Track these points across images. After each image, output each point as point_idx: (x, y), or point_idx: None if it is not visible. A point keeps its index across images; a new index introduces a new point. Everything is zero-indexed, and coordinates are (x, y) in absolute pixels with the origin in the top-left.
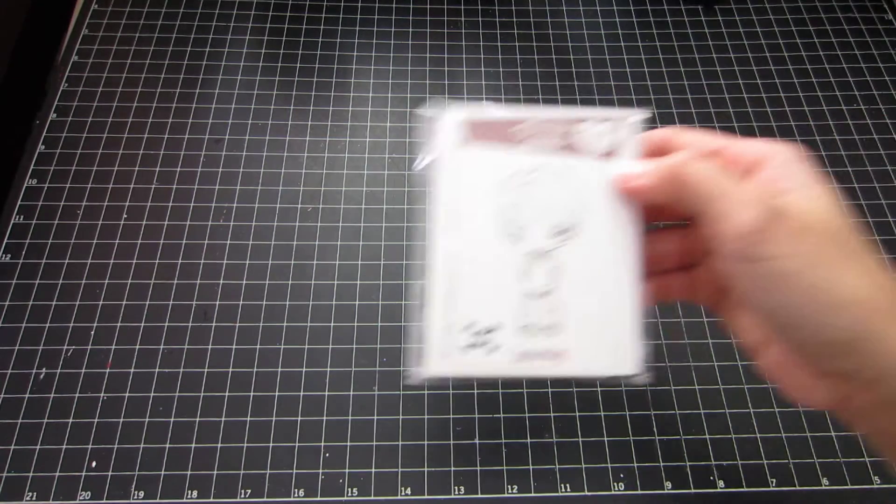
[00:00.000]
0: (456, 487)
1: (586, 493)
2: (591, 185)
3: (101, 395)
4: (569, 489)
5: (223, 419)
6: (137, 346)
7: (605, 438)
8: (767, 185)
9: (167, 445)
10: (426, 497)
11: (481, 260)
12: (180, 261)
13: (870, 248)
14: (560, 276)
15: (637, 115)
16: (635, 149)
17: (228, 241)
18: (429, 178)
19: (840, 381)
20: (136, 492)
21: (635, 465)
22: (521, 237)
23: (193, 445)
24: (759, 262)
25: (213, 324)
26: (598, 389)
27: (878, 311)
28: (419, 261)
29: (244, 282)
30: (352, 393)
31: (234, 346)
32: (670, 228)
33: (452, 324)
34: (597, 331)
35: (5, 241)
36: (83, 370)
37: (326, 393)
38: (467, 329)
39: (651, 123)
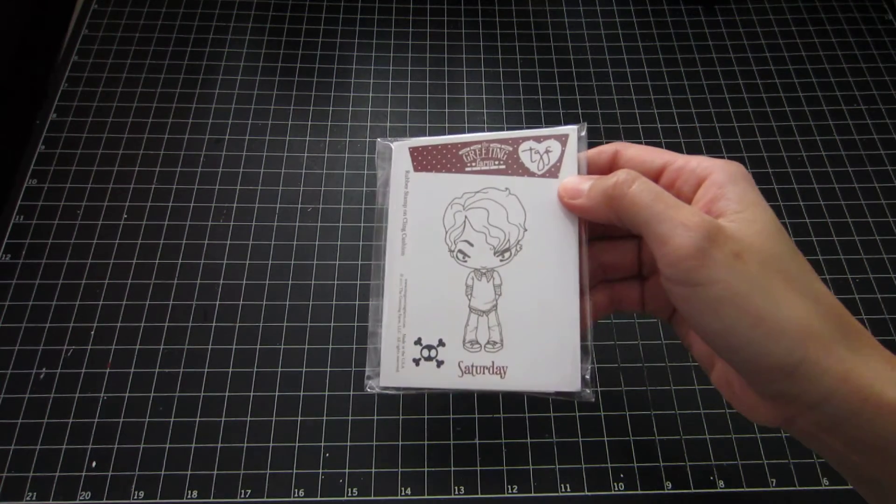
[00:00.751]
0: (456, 487)
1: (586, 493)
2: (534, 204)
3: (101, 395)
4: (569, 489)
5: (223, 419)
6: (137, 346)
7: (605, 438)
8: (706, 207)
9: (167, 445)
10: (426, 497)
11: (430, 278)
12: (180, 261)
13: (810, 271)
14: (503, 293)
15: (576, 131)
16: (578, 164)
17: (228, 241)
18: (382, 202)
19: (783, 403)
20: (136, 492)
21: (635, 465)
22: (469, 255)
23: (193, 445)
24: (696, 287)
25: (213, 324)
26: (599, 390)
27: (815, 337)
28: (372, 279)
29: (244, 282)
30: (352, 393)
31: (234, 346)
32: (625, 238)
33: (404, 339)
34: (535, 347)
35: (5, 241)
36: (83, 370)
37: (326, 393)
38: (417, 344)
39: (651, 123)
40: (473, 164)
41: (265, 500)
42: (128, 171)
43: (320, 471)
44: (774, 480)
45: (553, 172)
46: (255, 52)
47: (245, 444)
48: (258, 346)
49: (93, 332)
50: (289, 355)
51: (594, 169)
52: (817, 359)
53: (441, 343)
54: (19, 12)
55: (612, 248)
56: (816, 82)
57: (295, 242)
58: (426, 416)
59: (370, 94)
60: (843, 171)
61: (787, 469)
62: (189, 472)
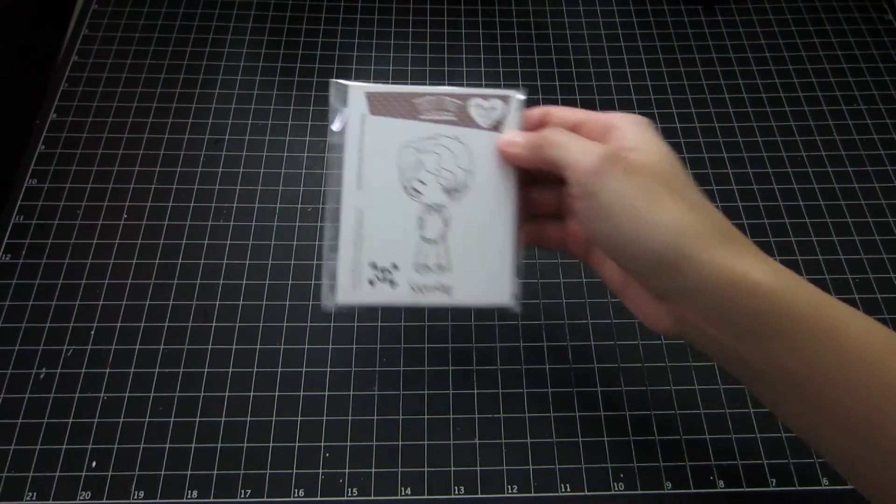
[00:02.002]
0: (456, 487)
1: (586, 492)
2: (480, 152)
3: (101, 395)
4: (569, 489)
5: (223, 419)
6: (137, 346)
7: (605, 438)
8: (613, 143)
9: (167, 445)
10: (426, 497)
11: (385, 210)
12: (180, 261)
13: (697, 190)
14: (450, 225)
15: (520, 94)
16: (517, 122)
17: (228, 241)
18: (340, 141)
19: (673, 302)
20: (136, 492)
21: (635, 465)
22: (420, 193)
23: (193, 445)
24: (592, 198)
25: (213, 324)
26: (599, 390)
27: (692, 235)
28: (329, 204)
29: (244, 282)
30: (352, 393)
31: (234, 346)
32: (550, 183)
33: (360, 262)
34: (477, 269)
35: (5, 241)
36: (83, 370)
37: (326, 393)
38: (373, 267)
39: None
40: (427, 113)
41: (265, 500)
42: (128, 171)
43: (320, 471)
44: (774, 480)
45: (496, 127)
46: (255, 52)
47: (245, 444)
48: (258, 346)
49: (93, 332)
50: (289, 355)
51: (529, 127)
52: (691, 252)
53: (395, 266)
54: (19, 12)
55: (539, 190)
56: (816, 82)
57: (295, 242)
58: (426, 417)
59: None
60: (843, 171)
61: (787, 469)
62: (189, 472)
